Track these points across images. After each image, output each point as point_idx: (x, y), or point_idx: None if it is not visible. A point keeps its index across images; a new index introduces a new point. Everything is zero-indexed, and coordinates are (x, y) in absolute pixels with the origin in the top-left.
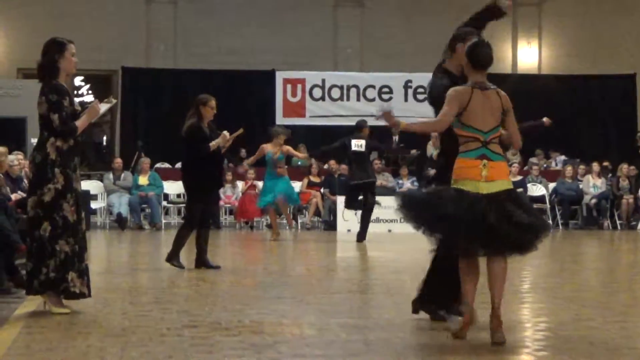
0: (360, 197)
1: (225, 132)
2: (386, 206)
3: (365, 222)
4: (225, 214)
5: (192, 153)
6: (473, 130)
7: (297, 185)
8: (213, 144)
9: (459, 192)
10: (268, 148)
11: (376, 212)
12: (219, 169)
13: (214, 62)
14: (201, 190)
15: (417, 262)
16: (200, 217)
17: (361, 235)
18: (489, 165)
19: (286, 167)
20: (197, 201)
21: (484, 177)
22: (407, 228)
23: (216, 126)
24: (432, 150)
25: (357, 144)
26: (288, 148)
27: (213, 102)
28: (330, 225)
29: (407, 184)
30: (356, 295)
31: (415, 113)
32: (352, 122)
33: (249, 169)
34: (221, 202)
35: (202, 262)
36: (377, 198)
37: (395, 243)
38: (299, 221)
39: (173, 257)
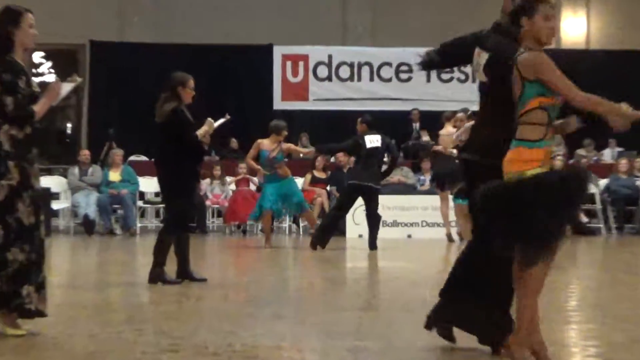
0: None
1: (210, 119)
2: (406, 207)
3: (373, 229)
4: (213, 216)
5: (175, 143)
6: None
7: (299, 182)
8: (201, 132)
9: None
10: (264, 145)
11: (394, 215)
12: (201, 162)
13: (200, 36)
14: (184, 186)
15: (441, 274)
16: (183, 219)
17: (371, 244)
18: None
19: (286, 159)
20: (180, 200)
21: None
22: (429, 233)
23: (196, 111)
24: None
25: (372, 140)
26: (289, 146)
27: (192, 83)
28: (339, 229)
29: (430, 180)
30: (368, 314)
31: (439, 96)
32: (364, 107)
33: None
34: (208, 202)
35: (184, 273)
36: (394, 197)
37: (415, 251)
38: (301, 225)
39: (159, 274)
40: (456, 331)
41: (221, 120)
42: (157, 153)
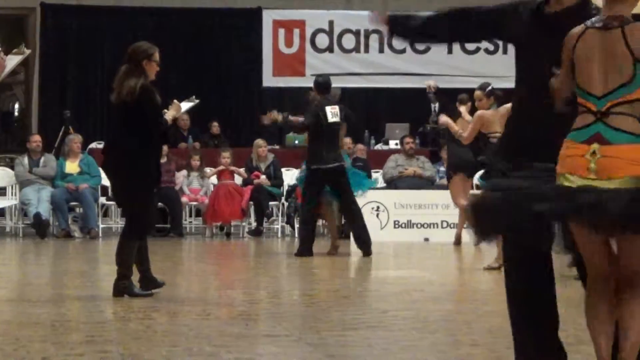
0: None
1: (177, 102)
2: (423, 205)
3: (357, 223)
4: (190, 215)
5: (137, 127)
6: (584, 95)
7: (294, 174)
8: (169, 117)
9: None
10: None
11: (408, 214)
12: (161, 151)
13: None
14: (147, 180)
15: (465, 285)
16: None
17: (363, 245)
18: (600, 151)
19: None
20: (147, 196)
21: (592, 171)
22: (451, 236)
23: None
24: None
25: (333, 113)
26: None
27: (158, 55)
28: (341, 231)
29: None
30: (378, 333)
31: (463, 70)
32: (371, 83)
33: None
34: (185, 199)
35: (149, 281)
36: (409, 193)
37: (433, 257)
38: (297, 226)
39: (125, 286)
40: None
41: (188, 104)
42: (111, 139)
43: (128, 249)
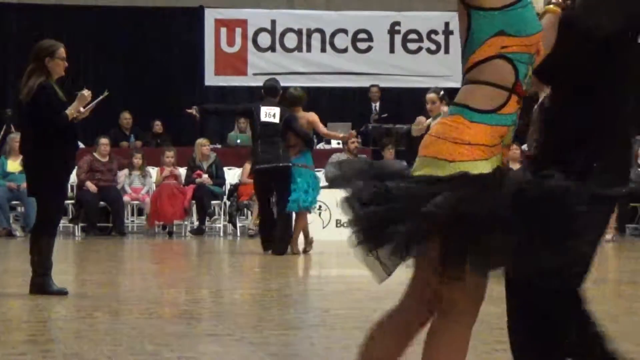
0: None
1: (83, 92)
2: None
3: (283, 229)
4: (133, 214)
5: (42, 126)
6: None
7: (236, 173)
8: (71, 110)
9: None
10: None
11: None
12: (75, 147)
13: None
14: (54, 179)
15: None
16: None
17: (281, 247)
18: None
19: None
20: (56, 194)
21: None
22: None
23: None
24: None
25: (269, 113)
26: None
27: (62, 51)
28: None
29: None
30: (320, 332)
31: (405, 70)
32: (314, 82)
33: None
34: (126, 198)
35: (40, 285)
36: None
37: None
38: (239, 225)
39: (47, 283)
40: None
41: (101, 97)
42: (22, 138)
43: (49, 244)
